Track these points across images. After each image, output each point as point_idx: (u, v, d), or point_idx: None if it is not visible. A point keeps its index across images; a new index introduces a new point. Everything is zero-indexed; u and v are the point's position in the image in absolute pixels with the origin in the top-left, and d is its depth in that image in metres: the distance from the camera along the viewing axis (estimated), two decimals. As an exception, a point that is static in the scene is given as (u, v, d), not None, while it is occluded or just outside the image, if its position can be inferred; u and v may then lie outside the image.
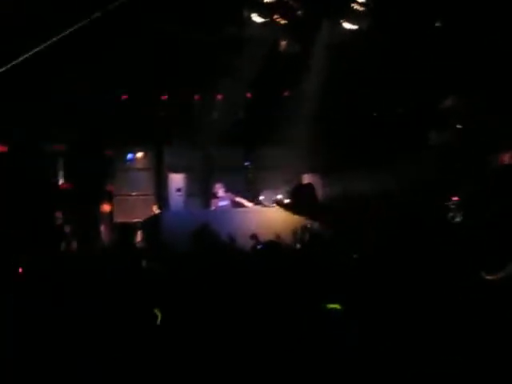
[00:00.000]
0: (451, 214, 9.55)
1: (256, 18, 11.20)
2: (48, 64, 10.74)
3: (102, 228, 12.54)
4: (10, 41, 9.88)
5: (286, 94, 14.27)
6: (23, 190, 11.98)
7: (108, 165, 13.81)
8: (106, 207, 12.72)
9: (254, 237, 8.18)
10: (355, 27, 11.78)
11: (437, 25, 11.84)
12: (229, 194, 11.72)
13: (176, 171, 12.09)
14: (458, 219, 9.16)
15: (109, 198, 13.47)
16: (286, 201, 11.65)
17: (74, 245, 12.64)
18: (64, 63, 11.34)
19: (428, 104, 13.28)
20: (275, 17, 11.38)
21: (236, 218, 10.27)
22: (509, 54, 11.02)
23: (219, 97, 14.04)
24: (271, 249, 5.17)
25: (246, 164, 14.19)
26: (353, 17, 11.69)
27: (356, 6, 11.50)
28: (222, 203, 11.63)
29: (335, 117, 13.83)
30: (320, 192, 12.10)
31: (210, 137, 13.78)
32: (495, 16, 10.84)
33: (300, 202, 10.21)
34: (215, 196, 11.75)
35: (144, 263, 6.38)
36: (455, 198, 9.92)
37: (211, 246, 6.68)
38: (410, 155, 12.31)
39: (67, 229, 12.35)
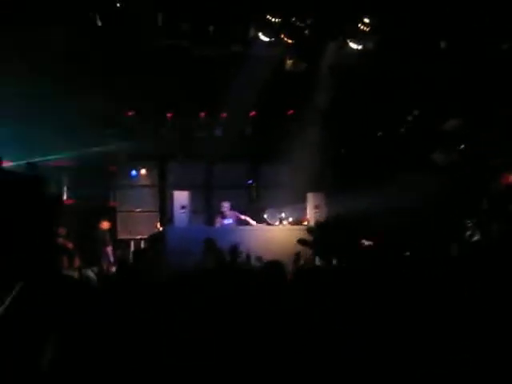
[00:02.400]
0: (469, 233, 9.58)
1: (263, 36, 11.26)
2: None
3: (105, 244, 12.46)
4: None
5: (290, 112, 14.31)
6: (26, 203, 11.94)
7: (112, 180, 13.82)
8: (110, 223, 12.68)
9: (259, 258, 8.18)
10: (360, 47, 11.85)
11: (442, 46, 11.92)
12: (234, 212, 11.71)
13: (180, 188, 12.08)
14: (476, 238, 9.19)
15: (112, 213, 13.45)
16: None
17: (77, 261, 12.61)
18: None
19: (432, 124, 13.34)
20: (282, 36, 11.45)
21: (240, 236, 10.25)
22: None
23: (223, 114, 14.08)
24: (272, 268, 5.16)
25: (249, 182, 14.22)
26: (358, 37, 11.76)
27: (361, 27, 11.57)
28: (226, 221, 11.62)
29: (339, 136, 13.88)
30: (323, 210, 12.12)
31: (214, 154, 13.82)
32: (496, 38, 10.94)
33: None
34: (221, 213, 11.73)
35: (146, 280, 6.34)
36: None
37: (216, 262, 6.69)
38: (413, 175, 12.33)
39: (70, 245, 12.32)
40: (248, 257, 7.69)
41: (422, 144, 13.40)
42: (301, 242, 6.17)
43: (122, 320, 3.97)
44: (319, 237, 8.87)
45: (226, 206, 11.73)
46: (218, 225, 11.73)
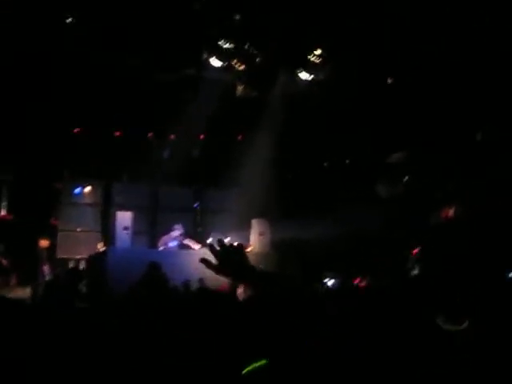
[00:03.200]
0: (409, 266, 9.72)
1: (214, 61, 11.31)
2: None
3: (43, 263, 12.12)
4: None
5: (239, 138, 14.37)
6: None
7: (54, 197, 13.50)
8: (49, 241, 12.36)
9: (200, 280, 8.10)
10: (310, 78, 12.05)
11: (389, 81, 12.23)
12: (179, 236, 11.59)
13: (124, 209, 11.89)
14: (415, 271, 9.33)
15: (52, 232, 13.11)
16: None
17: (12, 278, 12.21)
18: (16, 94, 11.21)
19: (376, 157, 13.60)
20: (234, 62, 11.53)
21: (182, 260, 10.15)
22: (455, 111, 11.48)
23: (172, 136, 14.01)
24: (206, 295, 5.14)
25: (195, 205, 14.15)
26: (309, 68, 11.96)
27: (312, 58, 11.78)
28: (171, 244, 11.49)
29: (286, 164, 14.00)
30: (268, 237, 12.13)
31: (160, 176, 13.71)
32: (442, 73, 11.30)
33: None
34: (169, 236, 11.58)
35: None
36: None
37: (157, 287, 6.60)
38: (356, 206, 12.51)
39: (5, 262, 11.95)
40: (187, 284, 7.62)
41: (366, 175, 13.63)
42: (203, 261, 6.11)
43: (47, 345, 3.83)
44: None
45: (177, 228, 11.59)
46: (161, 247, 11.58)
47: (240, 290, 9.11)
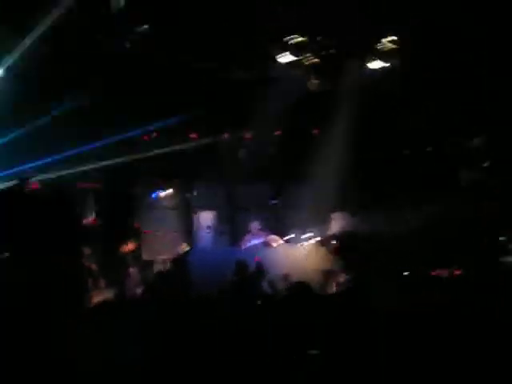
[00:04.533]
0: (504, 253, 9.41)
1: (286, 57, 11.26)
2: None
3: (129, 265, 12.43)
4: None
5: (315, 132, 14.25)
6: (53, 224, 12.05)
7: (136, 201, 13.84)
8: (133, 244, 12.66)
9: (285, 277, 8.06)
10: (384, 66, 11.80)
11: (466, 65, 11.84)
12: (263, 232, 11.66)
13: (204, 208, 12.06)
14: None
15: (137, 234, 13.44)
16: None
17: (100, 281, 12.59)
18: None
19: (457, 143, 13.23)
20: (304, 56, 11.45)
21: (266, 257, 10.15)
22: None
23: (247, 135, 14.06)
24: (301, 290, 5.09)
25: (274, 202, 14.15)
26: (381, 56, 11.72)
27: (384, 46, 11.54)
28: (255, 241, 11.57)
29: (364, 156, 13.77)
30: (348, 231, 11.99)
31: (237, 175, 13.79)
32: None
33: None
34: (250, 234, 11.66)
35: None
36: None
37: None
38: (439, 195, 12.20)
39: (93, 266, 12.31)
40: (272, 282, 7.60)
41: (448, 162, 13.27)
42: None
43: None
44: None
45: (255, 226, 11.68)
46: (247, 244, 11.67)
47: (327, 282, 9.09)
